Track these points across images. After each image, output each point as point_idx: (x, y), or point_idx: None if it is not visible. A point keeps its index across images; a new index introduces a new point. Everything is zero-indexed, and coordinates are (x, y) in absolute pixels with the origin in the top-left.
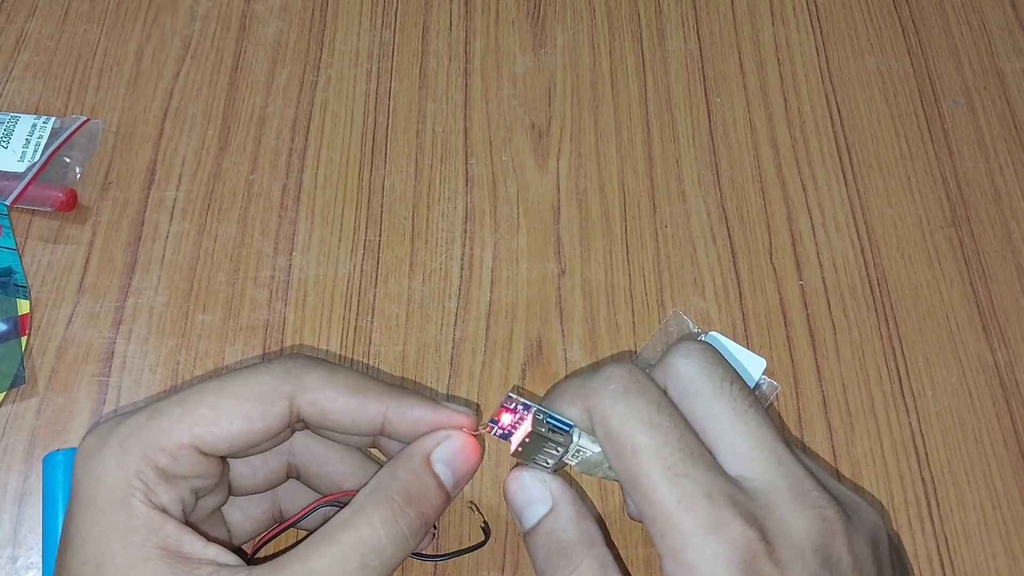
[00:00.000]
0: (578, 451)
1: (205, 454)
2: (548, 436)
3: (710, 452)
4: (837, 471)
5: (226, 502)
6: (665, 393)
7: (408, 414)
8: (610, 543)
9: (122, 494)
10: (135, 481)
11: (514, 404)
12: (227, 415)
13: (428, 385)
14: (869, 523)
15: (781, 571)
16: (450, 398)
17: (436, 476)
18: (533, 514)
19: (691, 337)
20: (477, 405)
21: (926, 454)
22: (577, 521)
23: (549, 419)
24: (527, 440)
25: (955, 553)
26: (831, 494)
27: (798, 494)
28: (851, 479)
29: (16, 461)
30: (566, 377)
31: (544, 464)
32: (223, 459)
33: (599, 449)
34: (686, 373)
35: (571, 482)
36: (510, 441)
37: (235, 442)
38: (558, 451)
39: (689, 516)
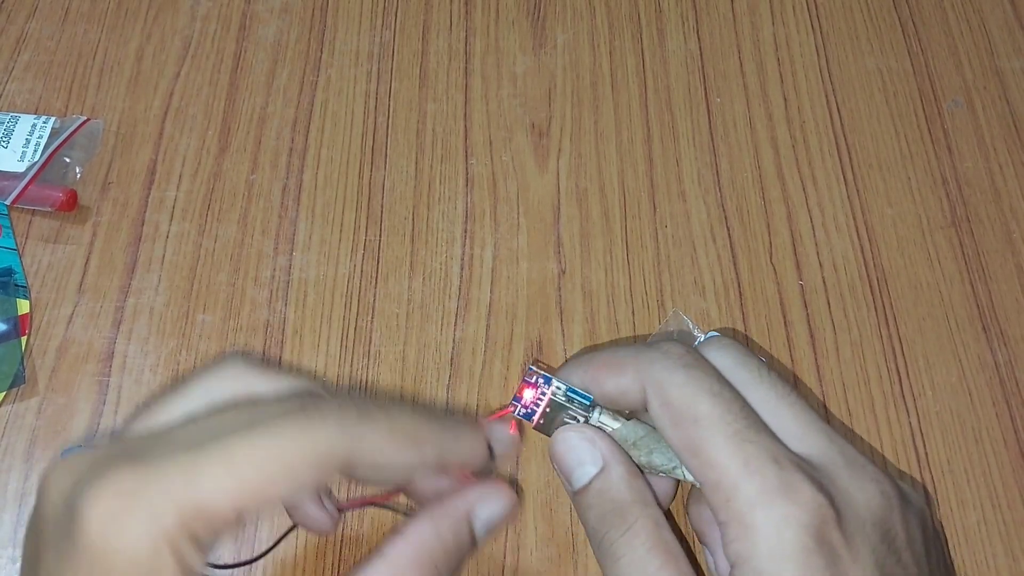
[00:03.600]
0: (599, 428)
1: (244, 517)
2: (568, 407)
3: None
4: None
5: None
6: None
7: (454, 457)
8: (659, 505)
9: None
10: (167, 559)
11: (535, 378)
12: (278, 482)
13: (428, 385)
14: (919, 504)
15: (847, 540)
16: (451, 401)
17: (474, 535)
18: (584, 474)
19: (692, 337)
20: (477, 406)
21: (926, 454)
22: (629, 481)
23: (570, 391)
24: (548, 411)
25: (955, 553)
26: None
27: (856, 467)
28: None
29: (16, 461)
30: (585, 349)
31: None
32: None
33: (619, 425)
34: (723, 364)
35: None
36: (532, 419)
37: (274, 500)
38: (581, 415)
39: (756, 479)
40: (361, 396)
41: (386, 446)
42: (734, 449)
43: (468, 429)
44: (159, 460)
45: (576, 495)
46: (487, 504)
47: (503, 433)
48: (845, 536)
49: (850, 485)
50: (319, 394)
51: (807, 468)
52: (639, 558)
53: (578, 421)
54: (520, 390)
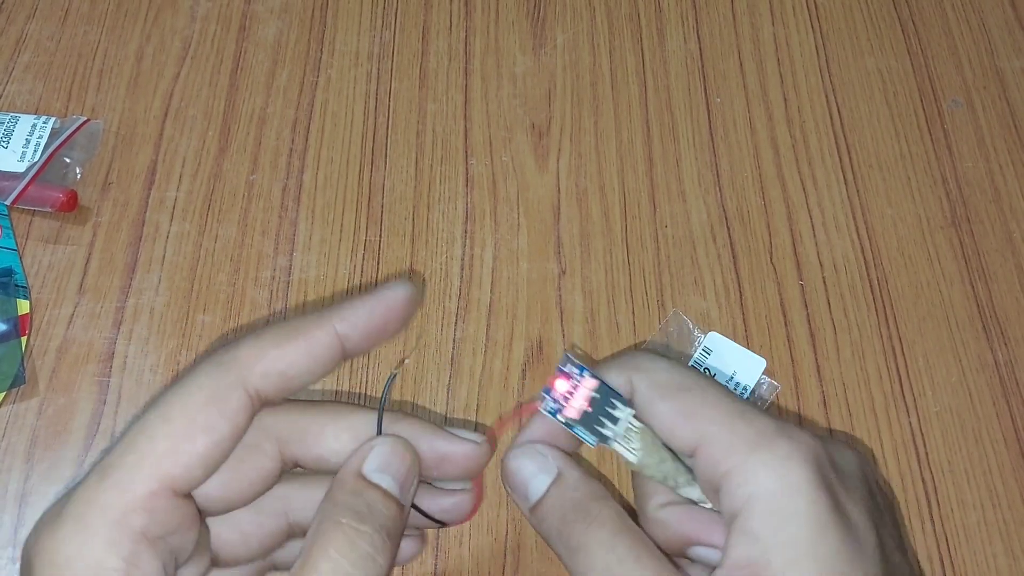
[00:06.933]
0: (628, 429)
1: (181, 496)
2: (610, 401)
3: None
4: None
5: (208, 574)
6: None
7: (355, 317)
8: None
9: None
10: (111, 560)
11: (569, 367)
12: (185, 435)
13: (428, 385)
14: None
15: (840, 480)
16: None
17: (377, 486)
18: (539, 484)
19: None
20: (477, 406)
21: (926, 454)
22: (586, 480)
23: (606, 385)
24: (589, 409)
25: (955, 553)
26: None
27: (826, 440)
28: None
29: (17, 461)
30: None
31: (599, 435)
32: (201, 517)
33: (641, 425)
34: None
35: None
36: (562, 415)
37: (209, 461)
38: (615, 423)
39: (754, 425)
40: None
41: (270, 350)
42: (728, 406)
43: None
44: (79, 483)
45: (534, 509)
46: (371, 456)
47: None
48: (839, 476)
49: (830, 444)
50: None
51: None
52: (606, 542)
53: (615, 420)
54: (552, 380)
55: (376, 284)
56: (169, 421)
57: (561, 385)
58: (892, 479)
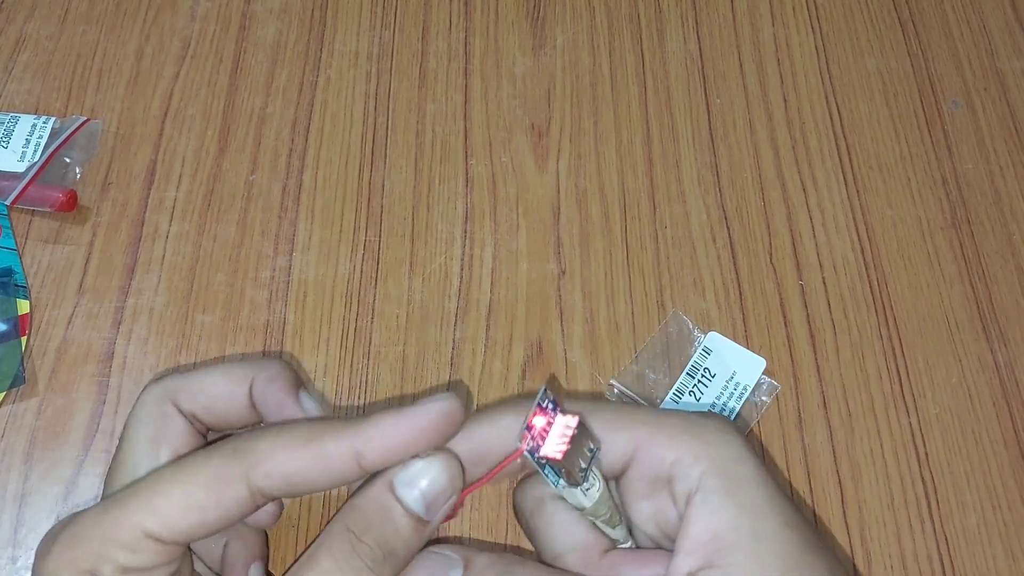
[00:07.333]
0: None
1: (164, 543)
2: (586, 443)
3: None
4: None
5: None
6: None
7: (377, 437)
8: None
9: None
10: None
11: (546, 402)
12: (180, 505)
13: (428, 385)
14: None
15: (753, 455)
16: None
17: (400, 500)
18: None
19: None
20: (476, 407)
21: (926, 455)
22: (494, 555)
23: (583, 424)
24: (569, 448)
25: (955, 553)
26: None
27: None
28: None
29: (16, 461)
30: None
31: (576, 471)
32: (182, 550)
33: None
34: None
35: None
36: (543, 455)
37: (192, 533)
38: (586, 463)
39: (679, 416)
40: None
41: (279, 453)
42: (644, 409)
43: (387, 418)
44: (88, 509)
45: None
46: (408, 466)
47: (434, 419)
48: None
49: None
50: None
51: None
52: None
53: (588, 460)
54: (531, 418)
55: (418, 396)
56: (173, 484)
57: (539, 421)
58: (892, 479)
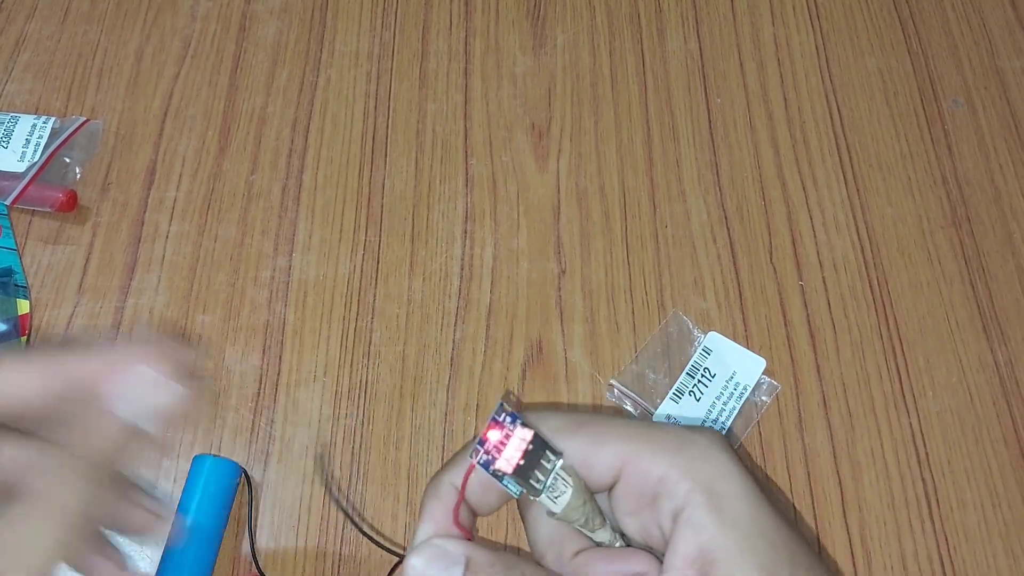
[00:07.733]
0: (556, 477)
1: None
2: (543, 452)
3: None
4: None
5: None
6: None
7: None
8: None
9: None
10: None
11: (503, 416)
12: None
13: (428, 385)
14: None
15: (742, 470)
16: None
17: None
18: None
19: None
20: (476, 406)
21: (926, 454)
22: (495, 553)
23: (540, 436)
24: (522, 461)
25: (955, 553)
26: None
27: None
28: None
29: None
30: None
31: (531, 487)
32: None
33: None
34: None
35: None
36: (497, 468)
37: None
38: (545, 474)
39: (666, 431)
40: None
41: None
42: (631, 424)
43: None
44: None
45: None
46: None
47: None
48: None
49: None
50: None
51: None
52: None
53: (546, 472)
54: (486, 432)
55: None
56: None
57: (494, 435)
58: (892, 479)
